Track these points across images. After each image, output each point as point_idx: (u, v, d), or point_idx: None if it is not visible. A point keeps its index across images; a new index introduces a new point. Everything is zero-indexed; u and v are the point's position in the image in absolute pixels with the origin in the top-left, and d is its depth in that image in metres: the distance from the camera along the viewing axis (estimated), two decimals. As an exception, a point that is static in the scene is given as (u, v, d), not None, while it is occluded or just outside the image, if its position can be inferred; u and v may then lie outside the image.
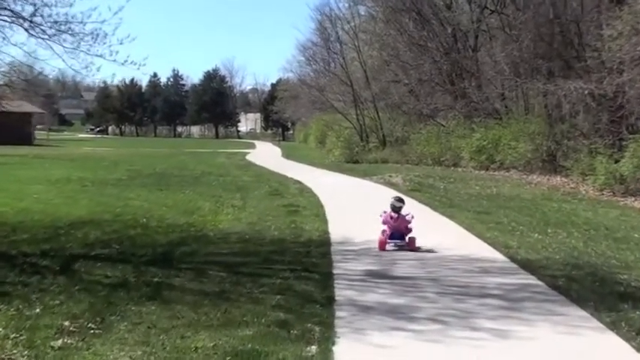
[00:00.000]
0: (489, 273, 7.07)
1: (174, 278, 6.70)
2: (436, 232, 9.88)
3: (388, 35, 31.77)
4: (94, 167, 23.83)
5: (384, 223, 8.63)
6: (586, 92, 18.81)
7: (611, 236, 9.65)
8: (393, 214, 8.61)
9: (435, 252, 8.31)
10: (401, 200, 8.86)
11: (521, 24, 23.18)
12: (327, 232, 9.71)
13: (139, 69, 9.41)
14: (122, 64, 9.20)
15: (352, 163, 28.98)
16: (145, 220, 10.82)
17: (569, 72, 21.61)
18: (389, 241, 8.50)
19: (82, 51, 9.10)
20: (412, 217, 8.68)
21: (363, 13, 37.66)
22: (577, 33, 21.03)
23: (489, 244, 8.84)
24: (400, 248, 8.42)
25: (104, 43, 8.96)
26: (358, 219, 11.16)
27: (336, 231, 9.82)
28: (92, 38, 8.87)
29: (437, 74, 28.94)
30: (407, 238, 8.50)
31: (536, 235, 9.62)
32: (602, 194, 15.73)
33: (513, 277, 6.89)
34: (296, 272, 6.96)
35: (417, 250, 8.36)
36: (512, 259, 7.80)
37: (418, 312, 5.52)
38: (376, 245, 8.46)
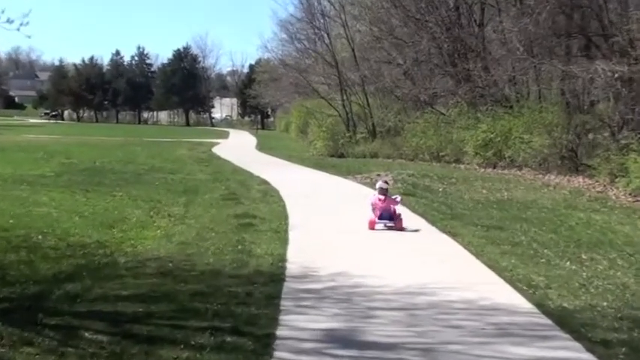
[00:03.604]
0: (510, 336, 5.16)
1: (22, 348, 4.72)
2: (433, 259, 8.05)
3: (380, 8, 29.98)
4: (21, 160, 21.67)
5: (373, 205, 10.00)
6: (616, 75, 17.16)
7: (667, 266, 7.86)
8: (380, 196, 10.01)
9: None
10: (386, 182, 10.99)
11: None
12: (283, 260, 7.77)
13: (18, 29, 7.43)
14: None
15: (337, 157, 27.75)
16: (40, 237, 8.84)
17: (592, 51, 19.97)
18: (378, 221, 9.85)
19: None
20: (400, 198, 10.53)
21: (351, -18, 35.72)
22: (603, 5, 19.27)
23: (506, 280, 6.97)
24: (389, 228, 9.81)
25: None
26: (328, 237, 9.39)
27: (297, 257, 7.91)
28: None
29: (436, 54, 27.57)
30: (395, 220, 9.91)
31: (568, 263, 7.84)
32: (638, 200, 14.25)
33: (547, 344, 4.97)
34: (219, 335, 5.04)
35: (404, 229, 9.81)
36: (541, 308, 5.92)
37: None
38: (347, 282, 6.83)
